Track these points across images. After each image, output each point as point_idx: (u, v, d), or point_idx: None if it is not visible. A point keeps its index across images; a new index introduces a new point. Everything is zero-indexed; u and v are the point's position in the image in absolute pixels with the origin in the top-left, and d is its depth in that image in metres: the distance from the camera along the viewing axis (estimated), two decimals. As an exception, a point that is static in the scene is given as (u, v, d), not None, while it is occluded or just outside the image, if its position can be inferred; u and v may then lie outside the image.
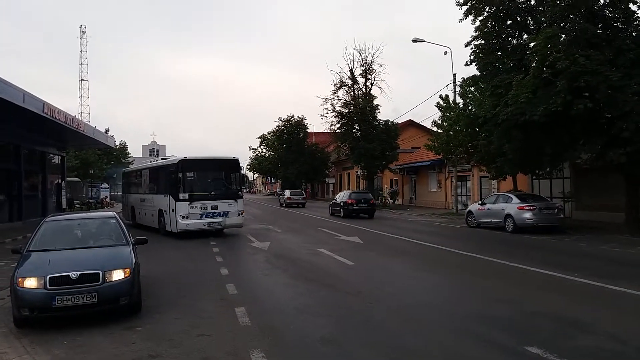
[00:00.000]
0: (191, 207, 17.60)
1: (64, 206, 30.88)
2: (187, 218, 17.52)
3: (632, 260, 12.85)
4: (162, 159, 24.86)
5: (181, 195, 17.62)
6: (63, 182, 31.90)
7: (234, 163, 19.66)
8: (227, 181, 19.60)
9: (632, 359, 5.74)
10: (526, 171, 23.53)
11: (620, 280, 9.78)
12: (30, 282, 6.85)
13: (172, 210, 17.96)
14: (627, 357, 5.78)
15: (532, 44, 18.93)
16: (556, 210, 20.19)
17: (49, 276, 6.83)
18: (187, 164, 18.25)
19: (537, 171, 23.47)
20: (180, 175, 17.87)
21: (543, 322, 7.12)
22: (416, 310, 8.00)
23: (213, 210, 17.98)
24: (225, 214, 18.18)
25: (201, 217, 17.74)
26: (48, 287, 6.76)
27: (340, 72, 48.14)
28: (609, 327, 6.79)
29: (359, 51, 63.00)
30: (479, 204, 23.01)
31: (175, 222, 17.79)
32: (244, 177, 21.03)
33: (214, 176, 19.23)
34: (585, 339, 6.33)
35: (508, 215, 20.00)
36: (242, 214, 19.12)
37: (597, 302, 8.44)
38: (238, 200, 18.77)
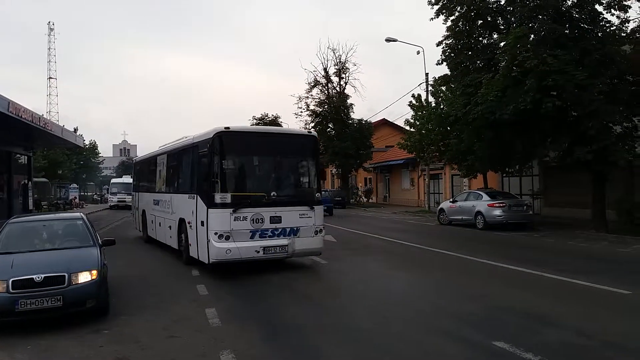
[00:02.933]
0: (235, 219, 10.08)
1: (30, 207, 30.09)
2: (227, 239, 9.98)
3: (598, 256, 13.17)
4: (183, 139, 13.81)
5: (217, 197, 10.03)
6: (30, 182, 31.08)
7: (309, 142, 11.84)
8: (297, 174, 11.99)
9: (597, 353, 5.86)
10: (496, 169, 23.93)
11: (586, 275, 10.01)
12: (-8, 286, 6.63)
13: (202, 223, 10.41)
14: (592, 351, 5.90)
15: (502, 44, 19.24)
16: (525, 207, 20.61)
17: (11, 279, 6.63)
18: (229, 139, 10.44)
19: (507, 169, 23.89)
20: (217, 160, 10.18)
21: (510, 317, 7.25)
22: (389, 307, 8.04)
23: (273, 226, 10.45)
24: (294, 232, 10.67)
25: (252, 237, 10.22)
26: (10, 290, 6.57)
27: (314, 71, 47.86)
28: (575, 322, 6.95)
29: (333, 50, 62.93)
30: (450, 202, 23.33)
31: (205, 245, 10.21)
32: (323, 167, 13.28)
33: (275, 164, 11.52)
34: (551, 334, 6.45)
35: (478, 213, 20.31)
36: (321, 231, 11.21)
37: (564, 297, 8.62)
38: (315, 208, 11.03)
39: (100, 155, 67.21)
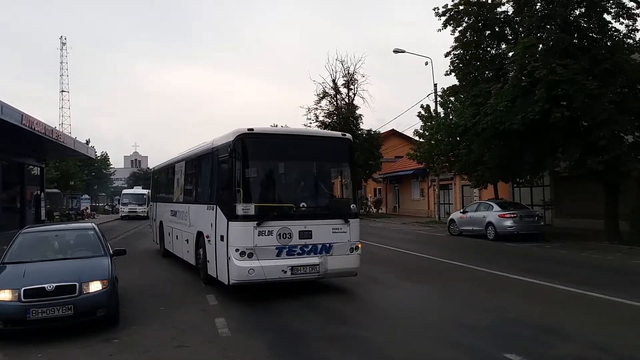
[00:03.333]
0: (260, 234, 8.80)
1: (43, 218, 30.35)
2: (250, 256, 8.68)
3: (611, 267, 13.02)
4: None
5: (239, 208, 8.77)
6: (42, 193, 31.39)
7: (344, 146, 10.26)
8: (330, 182, 10.86)
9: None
10: (507, 179, 23.81)
11: (600, 287, 9.88)
12: (4, 295, 6.69)
13: (221, 238, 9.20)
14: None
15: (510, 54, 19.28)
16: (536, 217, 20.44)
17: (23, 288, 6.69)
18: (252, 143, 9.23)
19: (517, 179, 23.75)
20: (238, 166, 8.89)
21: (523, 329, 7.16)
22: (398, 318, 8.03)
23: (303, 242, 9.10)
24: (327, 249, 9.28)
25: (279, 255, 8.91)
26: (22, 299, 6.62)
27: (322, 83, 48.06)
28: (589, 335, 6.85)
29: (341, 62, 63.43)
30: (460, 212, 23.20)
31: (225, 263, 8.96)
32: (360, 174, 11.12)
33: (305, 171, 10.34)
34: (564, 346, 6.36)
35: (489, 223, 20.17)
36: (357, 248, 9.71)
37: (577, 309, 8.51)
38: (351, 221, 9.60)
39: (111, 166, 67.86)
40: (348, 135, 10.42)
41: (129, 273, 11.02)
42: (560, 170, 21.25)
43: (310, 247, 9.11)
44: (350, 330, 7.28)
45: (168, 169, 16.23)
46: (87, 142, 50.74)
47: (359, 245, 9.74)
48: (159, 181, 18.71)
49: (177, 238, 13.62)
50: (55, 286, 6.79)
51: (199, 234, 10.94)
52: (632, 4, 17.91)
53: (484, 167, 22.08)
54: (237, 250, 8.66)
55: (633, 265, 13.29)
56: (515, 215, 19.67)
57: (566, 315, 8.02)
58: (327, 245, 9.25)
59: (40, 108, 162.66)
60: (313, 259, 9.10)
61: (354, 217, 9.73)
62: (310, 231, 9.12)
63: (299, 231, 9.02)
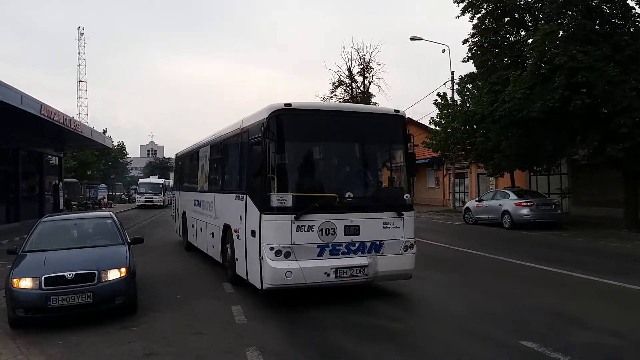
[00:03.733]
0: (298, 229, 7.57)
1: (61, 207, 30.85)
2: (287, 256, 7.48)
3: (630, 255, 12.84)
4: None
5: (274, 199, 7.57)
6: (60, 182, 31.87)
7: (398, 124, 8.75)
8: (380, 167, 9.42)
9: (630, 354, 5.72)
10: (524, 167, 23.54)
11: (619, 275, 9.77)
12: (25, 283, 6.81)
13: (252, 233, 8.01)
14: (624, 352, 5.76)
15: (529, 41, 18.93)
16: (553, 206, 20.24)
17: (44, 276, 6.79)
18: (289, 121, 7.92)
19: (534, 167, 23.48)
20: (273, 149, 7.65)
21: (539, 317, 7.11)
22: (414, 305, 8.08)
23: (349, 238, 7.82)
24: (377, 248, 7.97)
25: (321, 255, 7.66)
26: (43, 287, 6.73)
27: (338, 71, 47.70)
28: (605, 322, 6.79)
29: (357, 50, 62.60)
30: (476, 201, 23.07)
31: (257, 263, 7.75)
32: (415, 158, 8.95)
33: (351, 154, 8.86)
34: (581, 334, 6.32)
35: (505, 212, 20.02)
36: (412, 247, 8.39)
37: (595, 297, 8.43)
38: (405, 215, 8.30)
39: (128, 156, 68.44)
40: (402, 111, 8.69)
41: (148, 262, 11.13)
42: (579, 158, 20.93)
43: (357, 245, 7.80)
44: (361, 317, 7.30)
45: (192, 155, 14.88)
46: (104, 132, 51.29)
47: (414, 243, 8.40)
48: (182, 168, 17.52)
49: (201, 231, 12.49)
50: (75, 274, 6.89)
51: (226, 227, 9.81)
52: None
53: (500, 155, 21.85)
54: (271, 248, 7.42)
55: (653, 255, 13.09)
56: (532, 203, 19.49)
57: (583, 303, 7.96)
58: (377, 243, 7.91)
59: (58, 99, 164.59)
60: (361, 259, 7.76)
61: (409, 210, 8.38)
62: (358, 226, 7.81)
63: (345, 226, 7.71)
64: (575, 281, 9.67)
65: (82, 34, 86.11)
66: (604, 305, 7.86)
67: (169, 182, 50.93)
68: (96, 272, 7.02)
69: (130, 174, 76.01)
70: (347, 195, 7.91)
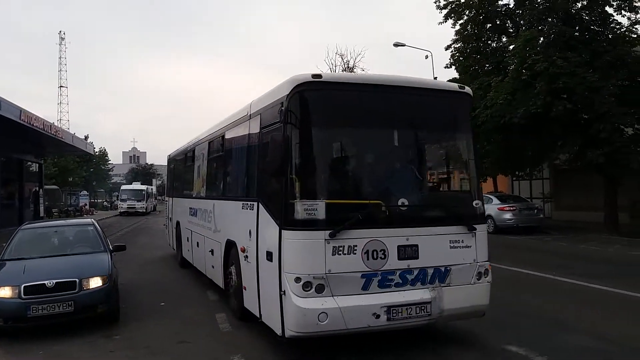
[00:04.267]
0: (335, 251, 5.33)
1: (41, 214, 30.33)
2: (320, 290, 5.24)
3: (611, 259, 13.02)
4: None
5: (300, 208, 5.36)
6: (41, 189, 31.36)
7: (462, 106, 6.53)
8: (441, 163, 7.15)
9: (615, 358, 5.77)
10: (506, 172, 23.81)
11: (600, 278, 9.88)
12: (4, 292, 6.66)
13: (268, 256, 5.83)
14: (610, 356, 5.81)
15: (511, 47, 19.21)
16: (536, 210, 20.49)
17: (23, 285, 6.65)
18: (321, 97, 5.73)
19: (517, 172, 23.75)
20: (297, 137, 5.55)
21: (523, 320, 7.16)
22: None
23: (404, 264, 5.59)
24: (441, 276, 5.73)
25: (367, 288, 5.42)
26: (23, 296, 6.59)
27: (322, 76, 47.72)
28: (591, 326, 6.86)
29: (341, 55, 62.96)
30: (460, 206, 23.19)
31: (277, 299, 5.49)
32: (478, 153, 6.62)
33: (402, 145, 6.49)
34: (566, 338, 6.37)
35: (488, 216, 20.07)
36: (486, 273, 6.11)
37: (579, 301, 8.51)
38: (478, 229, 6.00)
39: (110, 162, 67.76)
40: (467, 89, 6.45)
41: (130, 269, 10.99)
42: (560, 163, 21.23)
43: (416, 272, 5.56)
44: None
45: (187, 154, 12.73)
46: (86, 138, 50.65)
47: (489, 268, 6.13)
48: (175, 171, 15.18)
49: (197, 246, 10.41)
50: (56, 282, 6.76)
51: (230, 245, 7.67)
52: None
53: (483, 160, 22.04)
54: (297, 279, 5.21)
55: (633, 257, 13.30)
56: (514, 208, 19.70)
57: (568, 307, 8.03)
58: (443, 269, 5.68)
59: (39, 104, 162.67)
60: (422, 293, 5.56)
61: (481, 223, 6.19)
62: (416, 246, 5.58)
63: (399, 246, 5.50)
64: (559, 285, 9.76)
65: (62, 39, 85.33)
66: (589, 309, 7.93)
67: (152, 189, 50.49)
68: (77, 280, 6.89)
69: (112, 181, 75.25)
70: (400, 202, 5.73)
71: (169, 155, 16.43)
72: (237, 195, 7.73)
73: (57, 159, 42.25)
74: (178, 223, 13.17)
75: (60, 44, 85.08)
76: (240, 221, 7.07)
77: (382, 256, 5.44)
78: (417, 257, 5.57)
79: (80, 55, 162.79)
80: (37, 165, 31.50)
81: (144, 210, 42.73)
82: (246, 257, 6.68)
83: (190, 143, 12.49)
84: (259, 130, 6.63)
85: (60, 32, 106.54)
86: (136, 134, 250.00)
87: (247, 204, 6.79)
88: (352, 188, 5.97)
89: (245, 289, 6.83)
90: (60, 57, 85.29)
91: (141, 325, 7.33)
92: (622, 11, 17.96)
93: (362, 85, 6.08)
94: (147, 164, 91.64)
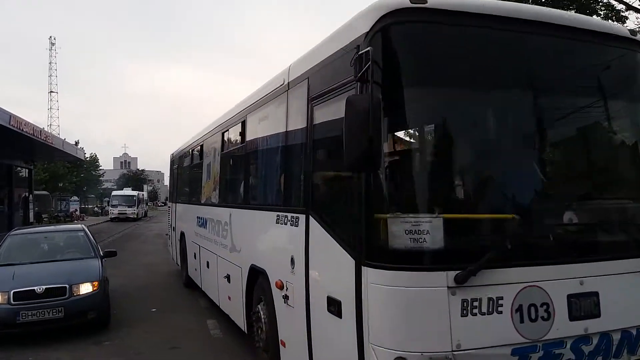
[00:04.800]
0: (468, 308, 2.91)
1: (31, 220, 30.11)
2: None
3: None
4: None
5: (396, 230, 2.92)
6: (31, 195, 31.13)
7: (637, 59, 3.72)
8: (620, 148, 4.06)
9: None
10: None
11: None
12: (-7, 297, 6.63)
13: (331, 307, 3.48)
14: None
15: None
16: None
17: (13, 291, 6.64)
18: (423, 34, 3.18)
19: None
20: (389, 103, 2.94)
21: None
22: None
23: (580, 326, 3.15)
24: (632, 343, 3.24)
25: None
26: (12, 302, 6.57)
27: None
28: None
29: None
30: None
31: None
32: None
33: (568, 124, 3.80)
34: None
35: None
36: None
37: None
38: None
39: (100, 168, 67.30)
40: None
41: (121, 275, 10.95)
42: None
43: (595, 341, 3.24)
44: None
45: (193, 152, 10.54)
46: (76, 143, 50.25)
47: None
48: (179, 171, 12.74)
49: (208, 267, 8.06)
50: (45, 288, 6.74)
51: (255, 273, 5.33)
52: (621, 6, 18.10)
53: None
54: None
55: None
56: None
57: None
58: (635, 332, 3.38)
59: (28, 111, 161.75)
60: None
61: None
62: (596, 295, 3.30)
63: (569, 296, 3.22)
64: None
65: (53, 44, 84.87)
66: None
67: (143, 195, 50.29)
68: (67, 286, 6.88)
69: (103, 186, 74.79)
70: (567, 219, 3.53)
71: (172, 154, 13.96)
72: (267, 203, 5.36)
73: (48, 165, 41.97)
74: (183, 234, 10.93)
75: (50, 50, 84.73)
76: (275, 241, 4.86)
77: (545, 315, 3.14)
78: (597, 315, 3.26)
79: (71, 61, 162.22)
80: (27, 170, 31.26)
81: (135, 216, 42.58)
82: (285, 297, 4.38)
83: (198, 137, 10.06)
84: (306, 105, 4.16)
85: (50, 37, 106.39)
86: (127, 140, 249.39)
87: (287, 216, 4.43)
88: (488, 194, 3.51)
89: (283, 346, 4.56)
90: (50, 63, 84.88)
91: (132, 332, 7.32)
92: (610, 20, 18.21)
93: (499, 20, 3.38)
94: (138, 169, 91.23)
